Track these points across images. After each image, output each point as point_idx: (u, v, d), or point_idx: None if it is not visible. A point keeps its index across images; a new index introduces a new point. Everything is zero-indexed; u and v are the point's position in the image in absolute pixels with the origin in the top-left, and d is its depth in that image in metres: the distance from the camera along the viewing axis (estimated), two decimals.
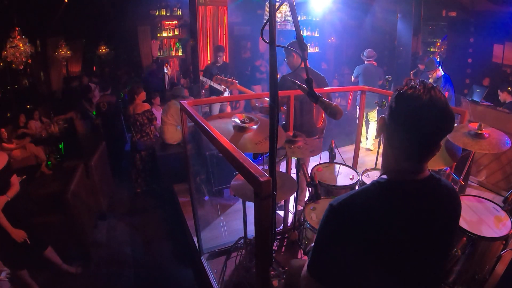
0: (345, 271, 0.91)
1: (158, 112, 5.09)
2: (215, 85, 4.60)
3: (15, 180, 2.49)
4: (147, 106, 4.59)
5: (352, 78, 5.30)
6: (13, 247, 2.43)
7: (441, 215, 0.94)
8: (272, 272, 2.18)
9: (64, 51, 7.08)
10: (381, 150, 2.57)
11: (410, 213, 0.89)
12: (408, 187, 0.91)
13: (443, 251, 1.03)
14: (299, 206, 2.81)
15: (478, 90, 4.50)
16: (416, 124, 0.87)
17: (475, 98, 4.45)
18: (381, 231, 0.87)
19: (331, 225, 0.92)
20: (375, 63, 5.24)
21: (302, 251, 2.26)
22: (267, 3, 5.51)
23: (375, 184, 0.94)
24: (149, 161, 4.49)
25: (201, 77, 4.78)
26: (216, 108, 5.22)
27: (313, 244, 0.98)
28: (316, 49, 8.19)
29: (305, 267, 1.00)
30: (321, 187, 2.23)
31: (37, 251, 2.73)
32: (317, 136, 3.05)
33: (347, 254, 0.89)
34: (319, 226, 0.96)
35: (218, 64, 4.99)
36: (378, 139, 4.24)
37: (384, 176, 0.96)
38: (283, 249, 2.69)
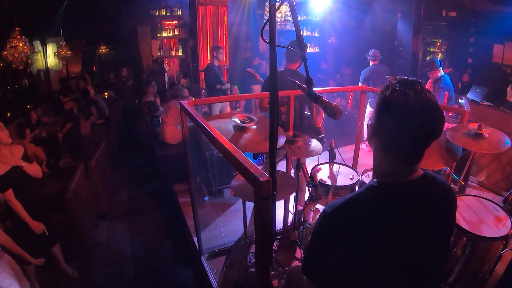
0: (341, 274, 0.91)
1: None
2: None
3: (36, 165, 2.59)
4: (149, 98, 5.07)
5: (360, 84, 4.99)
6: (25, 239, 2.46)
7: (437, 214, 0.94)
8: (272, 272, 2.18)
9: (64, 51, 7.07)
10: None
11: (406, 214, 0.89)
12: (402, 189, 0.90)
13: (441, 250, 1.03)
14: (299, 206, 2.81)
15: (478, 90, 4.50)
16: (417, 125, 0.85)
17: (475, 98, 4.45)
18: (376, 234, 0.87)
19: (325, 232, 0.92)
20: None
21: (302, 251, 2.26)
22: (267, 3, 5.51)
23: (369, 188, 0.93)
24: (144, 146, 5.23)
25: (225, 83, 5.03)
26: (216, 108, 5.21)
27: (306, 248, 0.98)
28: (316, 49, 8.19)
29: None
30: (321, 187, 2.23)
31: (47, 245, 2.77)
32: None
33: (343, 258, 0.88)
34: (313, 232, 0.96)
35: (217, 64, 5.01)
36: None
37: (377, 180, 0.95)
38: (283, 249, 2.69)
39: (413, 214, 0.89)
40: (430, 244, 0.94)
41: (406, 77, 0.89)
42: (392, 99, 0.86)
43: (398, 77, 0.90)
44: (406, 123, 0.84)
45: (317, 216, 1.97)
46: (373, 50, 5.04)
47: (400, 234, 0.88)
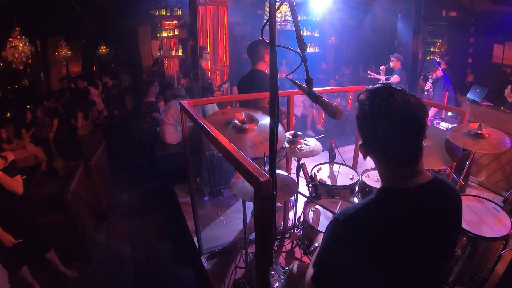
0: (351, 280, 0.91)
1: None
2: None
3: (18, 179, 2.49)
4: (150, 98, 5.07)
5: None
6: (13, 248, 2.42)
7: (445, 218, 0.94)
8: (272, 272, 2.18)
9: (64, 51, 7.07)
10: None
11: (415, 219, 0.89)
12: (410, 193, 0.90)
13: (448, 253, 1.04)
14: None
15: (478, 90, 4.50)
16: (408, 124, 0.86)
17: (475, 98, 4.44)
18: (387, 240, 0.87)
19: (337, 239, 0.92)
20: None
21: (302, 251, 2.26)
22: (267, 3, 5.50)
23: (378, 194, 0.94)
24: (144, 146, 5.25)
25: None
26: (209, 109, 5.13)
27: (316, 255, 0.98)
28: (316, 49, 8.19)
29: (309, 276, 1.00)
30: (321, 187, 2.23)
31: (39, 252, 2.72)
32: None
33: (354, 265, 0.89)
34: (324, 238, 0.96)
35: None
36: None
37: (386, 185, 0.95)
38: (283, 249, 2.69)
39: (421, 219, 0.89)
40: (437, 247, 0.94)
41: (373, 86, 0.93)
42: (366, 109, 0.90)
43: (365, 88, 0.94)
44: (385, 125, 0.86)
45: (317, 216, 1.98)
46: (396, 53, 5.17)
47: (409, 238, 0.88)
